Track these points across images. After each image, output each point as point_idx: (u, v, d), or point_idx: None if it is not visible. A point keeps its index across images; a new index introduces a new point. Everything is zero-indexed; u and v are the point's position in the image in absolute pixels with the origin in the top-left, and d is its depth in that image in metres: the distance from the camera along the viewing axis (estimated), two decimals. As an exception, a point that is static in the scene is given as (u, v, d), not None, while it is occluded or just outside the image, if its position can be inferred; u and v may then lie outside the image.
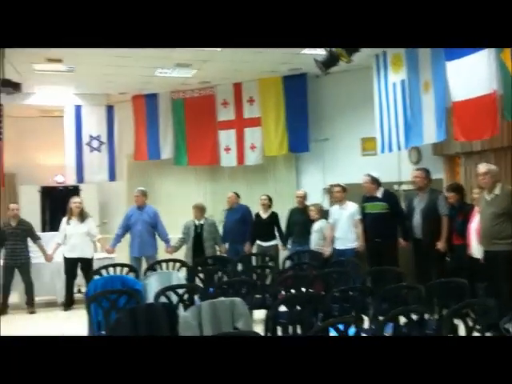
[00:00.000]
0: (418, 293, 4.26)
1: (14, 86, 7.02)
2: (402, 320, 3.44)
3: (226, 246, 8.11)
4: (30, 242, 7.71)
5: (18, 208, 7.77)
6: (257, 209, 8.25)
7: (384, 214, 6.82)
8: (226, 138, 9.58)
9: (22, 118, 10.47)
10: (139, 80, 8.90)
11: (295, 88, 8.91)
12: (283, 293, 5.15)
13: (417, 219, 6.53)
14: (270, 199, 8.15)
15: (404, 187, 7.81)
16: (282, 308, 4.03)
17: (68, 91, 9.61)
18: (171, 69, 8.26)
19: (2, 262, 7.54)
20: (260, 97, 9.25)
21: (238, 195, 8.36)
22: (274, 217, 8.10)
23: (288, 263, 6.84)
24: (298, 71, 8.69)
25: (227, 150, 9.58)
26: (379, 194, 6.94)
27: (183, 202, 9.92)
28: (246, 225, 8.10)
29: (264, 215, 8.11)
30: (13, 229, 7.55)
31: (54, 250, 7.73)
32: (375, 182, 6.95)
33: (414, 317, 3.47)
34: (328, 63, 5.54)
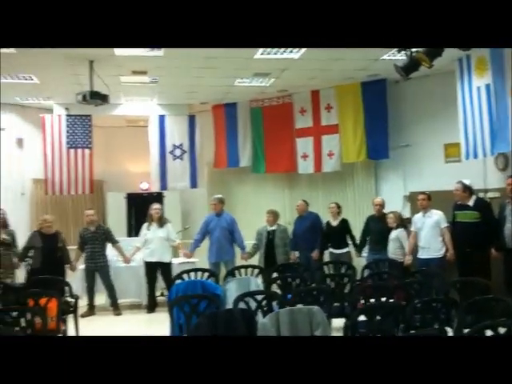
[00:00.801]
0: (506, 306, 4.07)
1: (102, 98, 7.41)
2: (489, 334, 3.30)
3: (296, 253, 8.12)
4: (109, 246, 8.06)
5: (93, 213, 8.14)
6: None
7: (475, 223, 6.56)
8: (304, 145, 9.60)
9: (110, 128, 11.01)
10: (219, 90, 9.13)
11: (374, 94, 8.78)
12: (362, 302, 5.08)
13: (508, 228, 6.24)
14: (338, 206, 8.10)
15: (490, 195, 7.48)
16: (362, 317, 3.99)
17: (152, 102, 10.01)
18: (250, 78, 8.40)
19: (83, 265, 7.95)
20: (338, 104, 9.19)
21: (307, 203, 8.39)
22: (344, 223, 8.04)
23: (366, 272, 6.74)
24: (377, 77, 8.56)
25: (305, 157, 9.59)
26: (471, 202, 6.70)
27: (261, 210, 10.03)
28: (315, 232, 8.09)
29: (334, 223, 8.07)
30: (92, 233, 7.94)
31: (132, 252, 8.07)
32: (467, 189, 6.72)
33: (502, 331, 3.33)
34: (409, 68, 5.42)
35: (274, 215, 8.13)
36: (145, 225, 8.12)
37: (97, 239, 7.91)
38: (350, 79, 8.70)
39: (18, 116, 9.93)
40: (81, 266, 7.95)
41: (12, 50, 6.48)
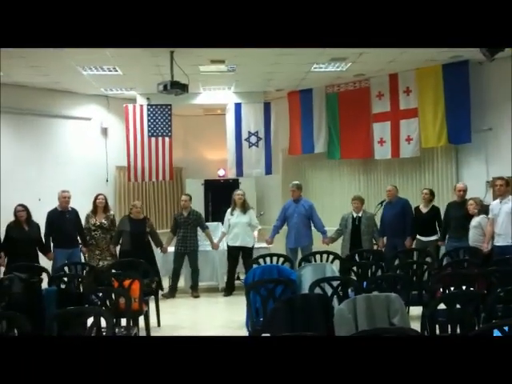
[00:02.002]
0: None
1: (182, 87, 7.62)
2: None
3: (384, 240, 8.00)
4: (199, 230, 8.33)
5: (187, 199, 8.43)
6: (412, 202, 8.03)
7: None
8: (381, 130, 9.41)
9: (188, 117, 11.32)
10: (296, 76, 9.13)
11: (456, 76, 8.45)
12: (441, 290, 4.97)
13: None
14: (431, 193, 7.87)
15: None
16: (441, 306, 3.91)
17: (229, 90, 10.17)
18: (326, 63, 8.34)
19: (174, 248, 8.26)
20: (417, 87, 8.92)
21: (397, 188, 8.21)
22: (435, 211, 7.81)
23: (446, 259, 6.57)
24: (459, 58, 8.23)
25: (381, 142, 9.41)
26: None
27: (336, 195, 10.02)
28: (405, 219, 7.91)
29: (424, 209, 7.85)
30: (184, 218, 8.24)
31: (220, 238, 8.33)
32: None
33: None
34: (494, 49, 5.19)
35: (360, 201, 8.05)
36: (228, 210, 8.33)
37: (189, 224, 8.21)
38: (431, 61, 8.42)
39: (103, 106, 10.43)
40: (171, 249, 8.27)
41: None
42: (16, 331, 3.77)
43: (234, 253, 8.13)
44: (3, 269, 6.95)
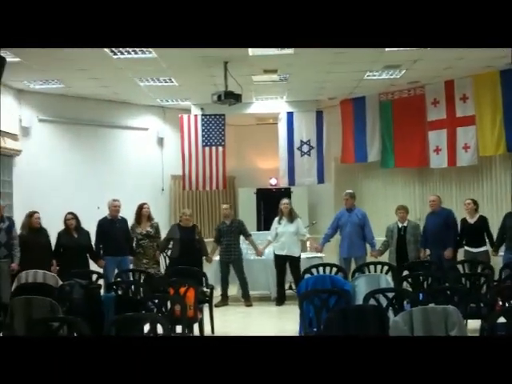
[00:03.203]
0: None
1: (235, 97, 7.73)
2: None
3: (427, 251, 7.83)
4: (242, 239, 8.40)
5: (228, 207, 8.52)
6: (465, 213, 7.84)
7: None
8: (437, 138, 9.22)
9: (241, 126, 11.45)
10: (348, 84, 9.08)
11: (515, 83, 8.20)
12: (500, 303, 4.82)
13: None
14: (475, 203, 7.66)
15: None
16: (501, 319, 3.79)
17: (281, 99, 10.23)
18: (380, 71, 8.26)
19: (218, 257, 8.35)
20: (474, 94, 8.70)
21: (440, 198, 8.04)
22: (482, 221, 7.59)
23: (504, 272, 6.34)
24: (518, 64, 7.99)
25: (437, 150, 9.22)
26: None
27: (390, 205, 9.82)
28: (448, 229, 7.72)
29: (471, 220, 7.64)
30: (227, 227, 8.31)
31: (265, 246, 8.36)
32: None
33: None
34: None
35: (405, 211, 7.93)
36: (276, 219, 8.35)
37: (231, 232, 8.28)
38: (488, 68, 8.20)
39: (159, 117, 10.70)
40: (216, 258, 8.37)
41: (154, 55, 7.01)
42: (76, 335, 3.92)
43: (280, 262, 8.13)
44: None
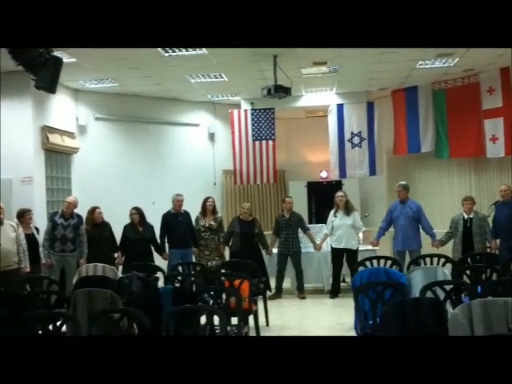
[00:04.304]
0: None
1: (285, 91, 7.74)
2: None
3: (498, 242, 7.59)
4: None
5: (291, 201, 8.54)
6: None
7: None
8: (493, 127, 8.94)
9: (291, 120, 11.44)
10: (400, 74, 8.93)
11: None
12: None
13: None
14: None
15: None
16: None
17: (331, 91, 10.16)
18: (432, 59, 8.08)
19: (276, 250, 8.39)
20: (532, 80, 8.40)
21: (510, 188, 7.75)
22: None
23: None
24: None
25: (494, 139, 8.94)
26: None
27: (445, 196, 9.64)
28: None
29: None
30: (286, 220, 8.35)
31: (322, 240, 8.33)
32: None
33: None
34: None
35: (472, 202, 7.69)
36: (331, 212, 8.31)
37: (291, 226, 8.31)
38: (546, 53, 7.89)
39: (210, 112, 10.84)
40: (275, 250, 8.43)
41: (204, 51, 7.10)
42: (136, 327, 4.04)
43: (338, 255, 8.09)
44: (120, 267, 7.45)
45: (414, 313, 3.84)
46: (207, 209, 8.16)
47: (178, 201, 8.02)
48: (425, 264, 6.32)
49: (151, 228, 7.81)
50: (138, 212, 7.68)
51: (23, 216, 6.99)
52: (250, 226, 7.97)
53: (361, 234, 8.30)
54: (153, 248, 7.79)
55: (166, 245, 8.01)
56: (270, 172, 10.03)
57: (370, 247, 8.25)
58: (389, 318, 3.89)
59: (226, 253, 8.23)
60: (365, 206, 10.56)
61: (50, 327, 4.02)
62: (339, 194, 8.28)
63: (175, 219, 7.97)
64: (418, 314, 3.83)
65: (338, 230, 8.05)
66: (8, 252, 6.34)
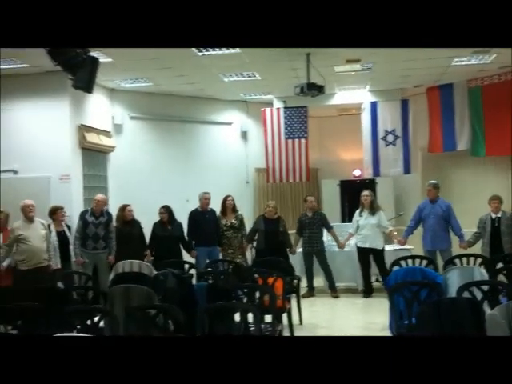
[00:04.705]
0: None
1: (318, 89, 7.72)
2: None
3: None
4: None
5: (314, 200, 8.52)
6: None
7: None
8: (532, 124, 8.75)
9: (323, 118, 11.41)
10: (435, 71, 8.80)
11: None
12: None
13: None
14: None
15: None
16: None
17: (364, 89, 10.08)
18: (468, 56, 7.94)
19: (301, 249, 8.38)
20: None
21: None
22: None
23: None
24: None
25: (532, 137, 8.74)
26: None
27: (481, 196, 9.42)
28: None
29: None
30: (309, 219, 8.32)
31: (346, 238, 8.30)
32: None
33: None
34: None
35: (500, 201, 7.57)
36: (357, 211, 8.27)
37: (314, 224, 8.29)
38: None
39: (243, 111, 10.89)
40: (299, 250, 8.42)
41: (237, 50, 7.13)
42: (171, 323, 4.10)
43: (363, 254, 8.04)
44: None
45: (451, 313, 3.79)
46: (227, 207, 8.18)
47: (205, 199, 8.08)
48: (461, 264, 6.23)
49: (180, 226, 7.88)
50: (166, 211, 7.76)
51: (55, 213, 7.14)
52: (275, 224, 7.97)
53: (395, 233, 8.21)
54: (181, 246, 7.86)
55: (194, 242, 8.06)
56: (303, 170, 10.01)
57: (405, 247, 8.15)
58: (425, 318, 3.85)
59: (248, 251, 8.28)
60: (399, 205, 10.45)
61: (88, 322, 4.14)
62: (364, 193, 8.22)
63: (202, 217, 8.03)
64: (454, 315, 3.79)
65: (363, 230, 8.01)
66: (38, 249, 6.50)
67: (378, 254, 7.97)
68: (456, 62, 8.21)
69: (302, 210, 11.27)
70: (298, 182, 10.57)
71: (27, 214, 6.51)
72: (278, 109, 10.08)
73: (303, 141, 9.97)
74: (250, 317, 4.13)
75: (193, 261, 7.65)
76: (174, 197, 8.64)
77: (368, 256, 8.04)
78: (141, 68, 8.12)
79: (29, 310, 4.13)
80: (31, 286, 5.68)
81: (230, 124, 10.78)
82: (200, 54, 7.31)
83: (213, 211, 8.16)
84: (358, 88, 10.02)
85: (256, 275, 5.74)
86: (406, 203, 10.50)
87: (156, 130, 9.92)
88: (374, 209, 8.08)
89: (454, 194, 9.52)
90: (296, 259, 8.32)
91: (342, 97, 10.27)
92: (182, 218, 7.97)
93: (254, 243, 8.34)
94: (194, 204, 8.27)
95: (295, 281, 6.53)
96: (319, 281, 8.44)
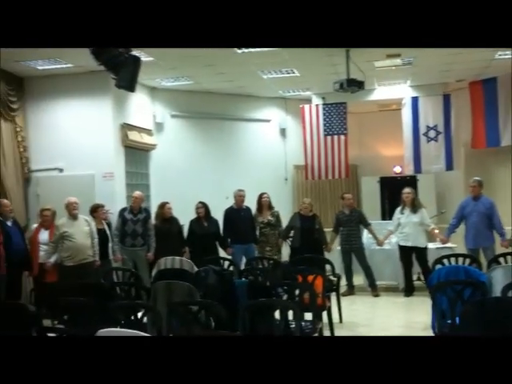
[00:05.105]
0: None
1: (358, 85, 7.66)
2: None
3: None
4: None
5: (351, 197, 8.47)
6: None
7: None
8: None
9: (363, 114, 11.29)
10: (478, 65, 8.61)
11: None
12: None
13: None
14: None
15: None
16: None
17: (405, 84, 9.94)
18: (512, 49, 7.75)
19: (339, 247, 8.32)
20: None
21: None
22: None
23: None
24: None
25: None
26: None
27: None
28: None
29: None
30: (347, 216, 8.25)
31: (385, 236, 8.19)
32: None
33: None
34: None
35: None
36: (398, 209, 8.15)
37: (351, 222, 8.23)
38: None
39: (281, 108, 10.90)
40: (337, 247, 8.37)
41: (277, 48, 7.13)
42: (212, 319, 4.15)
43: (405, 253, 7.92)
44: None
45: (496, 313, 3.71)
46: (263, 205, 8.19)
47: (239, 196, 8.10)
48: (505, 263, 6.08)
49: (216, 223, 7.93)
50: (203, 206, 7.83)
51: (96, 211, 7.28)
52: (311, 222, 7.96)
53: (436, 231, 8.08)
54: (217, 243, 7.90)
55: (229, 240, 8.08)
56: (342, 167, 9.94)
57: (448, 245, 8.01)
58: (469, 318, 3.78)
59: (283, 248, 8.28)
60: (441, 202, 10.26)
61: (132, 317, 4.23)
62: (406, 190, 8.09)
63: (237, 215, 8.06)
64: (499, 314, 3.71)
65: (405, 228, 7.89)
66: (82, 246, 6.66)
67: (421, 253, 7.85)
68: (500, 55, 8.01)
69: (341, 208, 11.26)
70: (337, 179, 10.50)
71: (71, 212, 6.68)
72: (317, 105, 10.04)
73: (342, 137, 9.89)
74: (290, 314, 4.15)
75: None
76: (214, 194, 8.73)
77: (410, 254, 7.92)
78: (182, 67, 8.22)
79: (76, 304, 4.26)
80: (77, 281, 5.83)
81: (268, 121, 10.81)
82: (239, 51, 7.35)
83: (248, 208, 8.19)
84: (399, 83, 9.89)
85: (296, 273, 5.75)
86: (447, 200, 10.29)
87: (196, 128, 10.04)
88: (415, 206, 7.96)
89: (497, 190, 9.28)
90: (333, 257, 8.28)
91: (382, 92, 10.16)
92: (222, 215, 8.03)
93: (289, 241, 8.35)
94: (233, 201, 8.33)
95: (335, 278, 6.51)
96: (359, 279, 8.38)
